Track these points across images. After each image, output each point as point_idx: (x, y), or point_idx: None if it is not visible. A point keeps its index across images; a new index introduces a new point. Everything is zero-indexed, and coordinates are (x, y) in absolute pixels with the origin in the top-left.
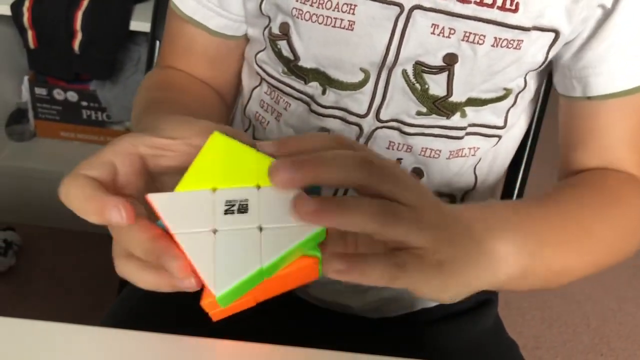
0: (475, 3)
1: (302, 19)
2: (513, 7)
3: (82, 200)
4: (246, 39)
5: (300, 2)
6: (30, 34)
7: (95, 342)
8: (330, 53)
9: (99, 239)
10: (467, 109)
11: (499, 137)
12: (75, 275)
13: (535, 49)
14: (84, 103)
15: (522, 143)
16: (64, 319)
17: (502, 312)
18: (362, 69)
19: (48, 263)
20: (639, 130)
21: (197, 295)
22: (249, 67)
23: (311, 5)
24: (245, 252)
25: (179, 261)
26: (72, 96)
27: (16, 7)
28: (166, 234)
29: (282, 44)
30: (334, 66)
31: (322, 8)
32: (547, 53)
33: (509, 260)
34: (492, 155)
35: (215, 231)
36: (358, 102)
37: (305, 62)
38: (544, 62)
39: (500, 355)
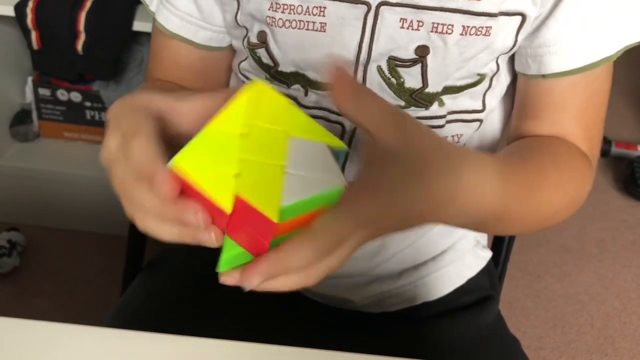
0: None
1: (276, 26)
2: None
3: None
4: (232, 49)
5: (272, 10)
6: (33, 35)
7: (99, 343)
8: (306, 56)
9: (103, 239)
10: (444, 97)
11: (480, 120)
12: (79, 275)
13: (505, 34)
14: (88, 103)
15: None
16: (68, 319)
17: (506, 312)
18: None
19: (52, 263)
20: (587, 107)
21: (199, 296)
22: (235, 76)
23: (283, 12)
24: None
25: (201, 213)
26: (76, 97)
27: (20, 8)
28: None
29: (261, 52)
30: (312, 68)
31: (294, 13)
32: (516, 36)
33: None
34: (478, 139)
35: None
36: None
37: (285, 67)
38: (514, 46)
39: (502, 350)
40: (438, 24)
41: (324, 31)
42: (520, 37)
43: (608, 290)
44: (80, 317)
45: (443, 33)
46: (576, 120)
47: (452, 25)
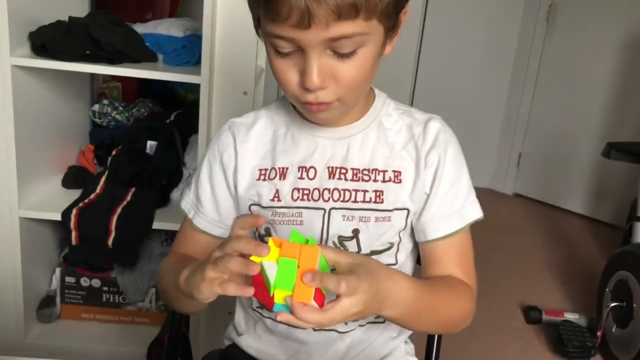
0: (362, 202)
1: (276, 224)
2: (381, 201)
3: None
4: None
5: (273, 216)
6: (73, 234)
7: None
8: None
9: None
10: (372, 257)
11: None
12: None
13: (400, 219)
14: (105, 288)
15: None
16: None
17: None
18: None
19: None
20: (460, 256)
21: None
22: None
23: (279, 217)
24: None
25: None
26: (96, 282)
27: (65, 214)
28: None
29: (267, 239)
30: None
31: (286, 217)
32: (406, 220)
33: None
34: None
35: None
36: None
37: None
38: (406, 226)
39: None
40: (362, 217)
41: (302, 225)
42: (408, 221)
43: None
44: None
45: (366, 222)
46: (456, 265)
47: (369, 217)
